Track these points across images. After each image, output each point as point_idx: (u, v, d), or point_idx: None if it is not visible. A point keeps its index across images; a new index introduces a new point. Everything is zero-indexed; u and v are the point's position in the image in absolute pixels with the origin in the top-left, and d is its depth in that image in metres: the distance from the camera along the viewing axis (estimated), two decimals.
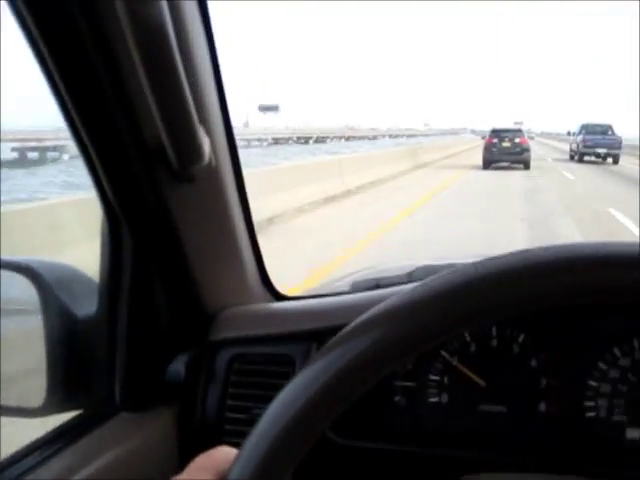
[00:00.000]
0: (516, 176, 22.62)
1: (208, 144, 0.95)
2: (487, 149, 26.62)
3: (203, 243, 1.09)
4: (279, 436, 0.61)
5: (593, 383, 1.06)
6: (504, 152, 26.15)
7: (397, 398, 1.12)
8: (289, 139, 74.19)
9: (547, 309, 0.70)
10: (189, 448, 1.09)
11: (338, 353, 0.63)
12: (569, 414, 1.07)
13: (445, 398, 1.11)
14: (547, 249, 0.66)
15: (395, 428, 1.12)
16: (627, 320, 1.06)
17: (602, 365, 1.06)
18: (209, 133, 0.97)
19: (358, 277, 1.46)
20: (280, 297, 1.32)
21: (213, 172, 1.03)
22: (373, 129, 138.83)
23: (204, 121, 0.96)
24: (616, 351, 1.06)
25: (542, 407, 1.08)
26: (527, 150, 26.44)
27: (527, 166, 25.81)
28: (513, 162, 26.07)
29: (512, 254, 0.66)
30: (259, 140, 64.65)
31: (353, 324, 0.66)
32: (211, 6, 0.97)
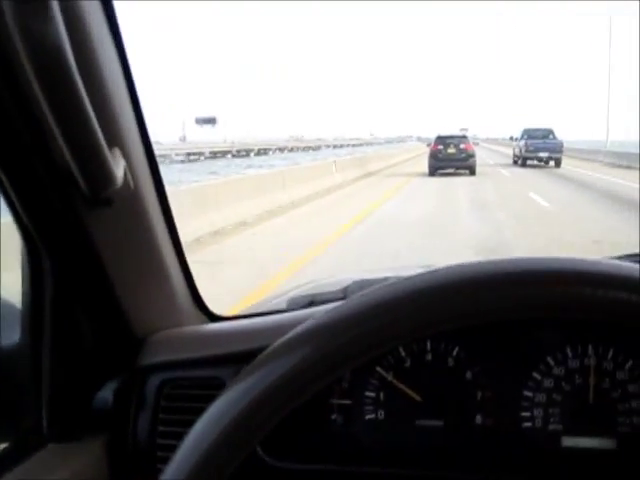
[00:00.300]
0: (461, 180, 22.98)
1: (123, 167, 0.92)
2: (432, 156, 26.67)
3: (127, 266, 1.05)
4: (204, 454, 0.61)
5: (528, 393, 1.06)
6: (449, 158, 26.24)
7: (333, 416, 1.11)
8: (228, 152, 68.65)
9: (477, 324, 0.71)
10: (121, 477, 1.06)
11: (262, 372, 0.63)
12: (505, 425, 1.07)
13: (382, 414, 1.10)
14: (475, 265, 0.67)
15: (332, 447, 1.10)
16: (560, 329, 1.07)
17: (536, 375, 1.07)
18: (126, 155, 0.94)
19: (295, 294, 1.45)
20: (214, 318, 1.30)
21: (132, 194, 1.00)
22: (319, 139, 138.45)
23: (119, 143, 0.93)
24: (550, 360, 1.07)
25: (478, 419, 1.08)
26: (472, 156, 26.52)
27: (473, 172, 26.06)
28: (459, 168, 26.17)
29: (440, 270, 0.66)
30: (193, 154, 60.28)
31: (277, 343, 0.66)
32: (127, 14, 0.93)
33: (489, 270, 0.66)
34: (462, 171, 25.85)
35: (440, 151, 26.39)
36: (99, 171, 0.85)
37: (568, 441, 1.05)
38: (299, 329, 0.66)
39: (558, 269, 0.65)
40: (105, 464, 1.05)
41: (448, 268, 0.67)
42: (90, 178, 0.86)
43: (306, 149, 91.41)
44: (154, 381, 1.11)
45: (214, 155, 63.97)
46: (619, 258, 1.51)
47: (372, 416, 1.10)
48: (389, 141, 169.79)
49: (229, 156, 65.63)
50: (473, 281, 0.66)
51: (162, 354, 1.13)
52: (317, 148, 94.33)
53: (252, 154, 70.79)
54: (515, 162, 34.34)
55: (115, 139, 0.92)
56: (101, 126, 0.83)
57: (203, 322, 1.27)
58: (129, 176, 0.96)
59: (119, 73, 0.97)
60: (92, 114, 0.80)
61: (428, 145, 30.19)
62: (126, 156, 0.94)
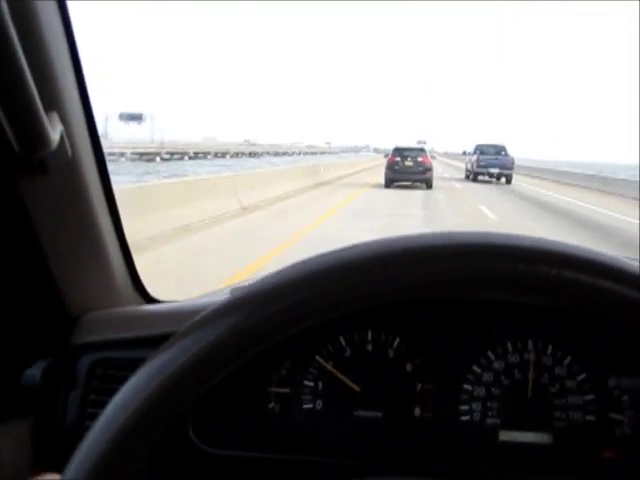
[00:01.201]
0: (416, 192, 23.15)
1: (59, 131, 0.88)
2: (389, 168, 26.38)
3: (63, 240, 1.01)
4: (119, 431, 0.58)
5: (468, 387, 1.06)
6: (406, 171, 26.06)
7: (271, 405, 1.08)
8: (157, 154, 60.00)
9: (415, 311, 0.71)
10: (46, 461, 1.02)
11: (172, 353, 0.62)
12: (444, 418, 1.06)
13: (320, 404, 1.08)
14: (377, 242, 0.67)
15: (270, 436, 1.08)
16: (500, 323, 1.07)
17: (476, 369, 1.06)
18: (64, 121, 0.90)
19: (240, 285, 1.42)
20: (152, 300, 1.26)
21: (71, 165, 0.96)
22: (273, 145, 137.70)
23: (58, 108, 0.89)
24: (490, 354, 1.06)
25: (417, 412, 1.07)
26: (429, 169, 26.18)
27: (429, 185, 25.81)
28: (415, 181, 26.04)
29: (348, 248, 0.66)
30: (111, 155, 48.75)
31: (188, 323, 0.65)
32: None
33: (394, 247, 0.65)
34: (418, 184, 25.84)
35: (397, 163, 26.23)
36: (33, 131, 0.82)
37: (505, 435, 1.05)
38: (211, 308, 0.65)
39: (466, 243, 0.64)
40: (29, 446, 1.01)
41: (361, 245, 0.67)
42: (23, 137, 0.82)
43: (258, 154, 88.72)
44: (85, 361, 1.08)
45: (139, 156, 55.88)
46: None
47: (310, 405, 1.08)
48: (345, 150, 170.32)
49: (158, 159, 58.10)
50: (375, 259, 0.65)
51: (95, 334, 1.09)
52: (253, 154, 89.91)
53: (186, 157, 64.98)
54: (467, 177, 34.75)
55: (54, 103, 0.89)
56: (39, 88, 0.80)
57: (140, 304, 1.24)
58: (67, 142, 0.92)
59: (62, 37, 0.94)
60: (29, 74, 0.77)
61: (385, 156, 30.17)
62: (64, 122, 0.91)
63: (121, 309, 1.17)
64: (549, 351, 1.05)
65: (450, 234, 0.65)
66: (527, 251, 0.62)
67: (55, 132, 0.86)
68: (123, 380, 1.05)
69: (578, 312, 0.84)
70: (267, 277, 0.65)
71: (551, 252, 0.62)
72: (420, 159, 26.27)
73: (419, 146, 30.81)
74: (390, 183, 25.86)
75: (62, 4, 0.93)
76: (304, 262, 0.67)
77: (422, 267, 0.63)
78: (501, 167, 31.66)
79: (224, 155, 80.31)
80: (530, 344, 1.06)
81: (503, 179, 31.60)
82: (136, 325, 1.12)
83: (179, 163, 54.78)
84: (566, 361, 1.05)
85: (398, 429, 1.07)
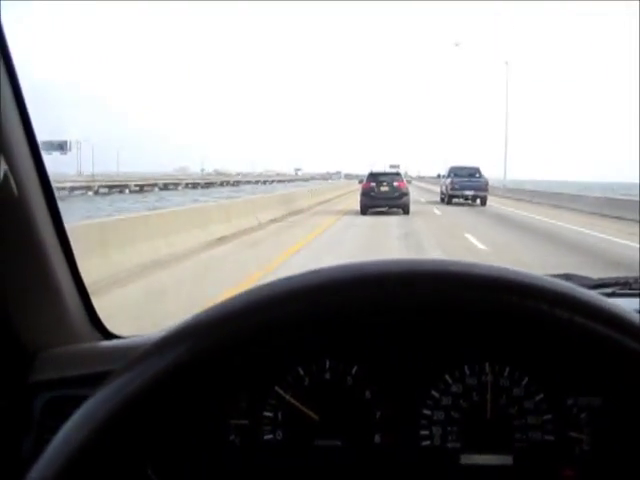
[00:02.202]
0: (392, 218, 22.62)
1: (2, 170, 0.88)
2: (365, 194, 25.53)
3: (16, 280, 1.01)
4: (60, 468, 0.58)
5: (427, 411, 1.06)
6: (382, 197, 25.31)
7: (231, 437, 1.07)
8: (87, 188, 52.28)
9: (371, 338, 0.72)
10: None
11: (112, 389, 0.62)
12: (405, 444, 1.06)
13: (280, 435, 1.07)
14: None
15: (231, 469, 1.07)
16: (457, 347, 1.07)
17: (435, 393, 1.06)
18: (8, 160, 0.90)
19: None
20: (110, 335, 1.25)
21: (18, 203, 0.96)
22: (239, 174, 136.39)
23: (1, 146, 0.89)
24: (448, 378, 1.06)
25: (377, 439, 1.06)
26: (406, 194, 25.42)
27: (406, 211, 24.99)
28: (392, 207, 25.31)
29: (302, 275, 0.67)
30: None
31: (132, 356, 0.65)
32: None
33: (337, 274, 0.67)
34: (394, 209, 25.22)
35: (373, 189, 25.48)
36: None
37: (466, 458, 1.05)
38: (152, 342, 0.65)
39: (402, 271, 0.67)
40: None
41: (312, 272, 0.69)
42: None
43: (206, 186, 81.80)
44: (41, 399, 1.06)
45: (69, 192, 45.74)
46: None
47: (270, 436, 1.07)
48: (315, 177, 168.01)
49: (90, 193, 51.44)
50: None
51: (51, 371, 1.08)
52: (208, 185, 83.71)
53: (127, 190, 57.77)
54: (442, 200, 34.88)
55: None
56: None
57: (98, 340, 1.22)
58: (12, 181, 0.92)
59: (4, 73, 0.94)
60: None
61: (360, 182, 29.78)
62: (9, 160, 0.91)
63: (77, 346, 1.16)
64: (506, 372, 1.06)
65: (440, 261, 0.68)
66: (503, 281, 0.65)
67: None
68: None
69: (533, 333, 0.86)
70: (208, 309, 0.66)
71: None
72: (396, 184, 25.64)
73: (394, 170, 30.32)
74: (366, 210, 25.16)
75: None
76: (249, 291, 0.67)
77: (382, 292, 0.64)
78: (475, 189, 31.80)
79: (195, 186, 77.64)
80: (487, 366, 1.06)
81: (478, 201, 31.78)
82: (92, 361, 1.11)
83: (122, 197, 49.51)
84: (523, 382, 1.05)
85: (359, 457, 1.06)
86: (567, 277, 1.69)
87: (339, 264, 0.72)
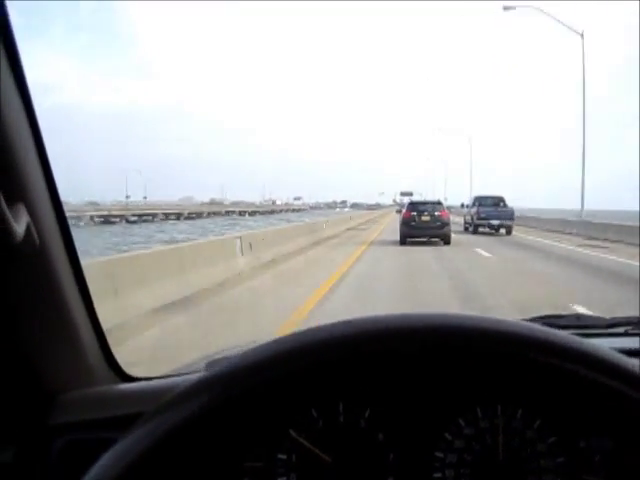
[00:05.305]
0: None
1: (25, 223, 0.91)
2: (405, 223, 24.73)
3: (36, 325, 1.04)
4: None
5: (440, 454, 1.06)
6: (423, 226, 24.42)
7: (245, 479, 1.08)
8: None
9: (385, 382, 0.79)
10: None
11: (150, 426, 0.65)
12: None
13: (294, 477, 1.08)
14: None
15: None
16: (469, 390, 1.08)
17: (448, 436, 1.07)
18: (30, 211, 0.93)
19: (215, 357, 1.43)
20: (127, 378, 1.27)
21: (39, 252, 0.99)
22: (235, 203, 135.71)
23: (23, 199, 0.92)
24: (460, 421, 1.07)
25: None
26: (447, 224, 24.50)
27: (447, 241, 23.98)
28: (432, 237, 24.39)
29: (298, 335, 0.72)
30: None
31: (153, 408, 0.67)
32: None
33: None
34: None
35: (413, 218, 24.66)
36: None
37: None
38: (180, 388, 0.68)
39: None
40: None
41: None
42: None
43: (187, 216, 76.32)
44: (60, 442, 1.08)
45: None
46: (531, 320, 1.54)
47: (284, 479, 1.08)
48: (315, 207, 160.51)
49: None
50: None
51: (69, 415, 1.10)
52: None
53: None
54: (466, 229, 34.72)
55: (19, 195, 0.92)
56: (2, 181, 0.83)
57: (115, 382, 1.25)
58: (34, 232, 0.95)
59: (25, 127, 0.97)
60: None
61: (398, 212, 29.10)
62: (31, 212, 0.94)
63: (95, 389, 1.18)
64: (518, 415, 1.06)
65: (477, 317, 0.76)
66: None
67: (21, 225, 0.89)
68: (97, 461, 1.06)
69: (545, 377, 0.90)
70: (237, 357, 0.69)
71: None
72: (437, 213, 24.68)
73: (435, 199, 29.37)
74: (405, 240, 24.31)
75: (25, 92, 0.96)
76: (276, 341, 0.71)
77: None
78: (502, 218, 31.74)
79: (199, 215, 77.86)
80: (499, 409, 1.06)
81: (503, 230, 31.63)
82: (111, 405, 1.13)
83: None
84: (536, 424, 1.05)
85: None
86: (578, 317, 1.69)
87: (361, 317, 0.80)
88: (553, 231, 34.00)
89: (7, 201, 0.84)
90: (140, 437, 0.64)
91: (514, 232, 31.61)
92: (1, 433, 1.05)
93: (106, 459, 0.64)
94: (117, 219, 56.02)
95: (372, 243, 25.24)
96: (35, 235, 0.96)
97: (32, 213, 0.94)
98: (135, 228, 49.70)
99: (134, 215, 61.90)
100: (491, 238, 28.84)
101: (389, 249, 22.10)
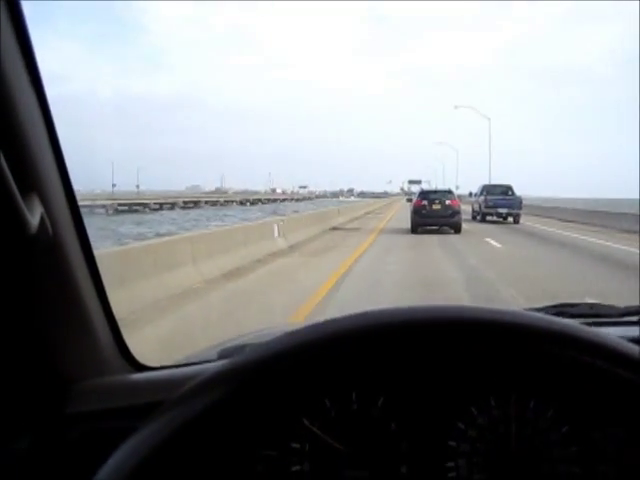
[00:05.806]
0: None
1: (39, 213, 0.91)
2: (416, 212, 24.96)
3: (51, 315, 1.04)
4: None
5: (453, 443, 1.06)
6: (434, 215, 24.61)
7: (258, 467, 1.09)
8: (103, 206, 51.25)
9: (398, 372, 0.82)
10: None
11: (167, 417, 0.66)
12: (431, 476, 1.06)
13: (307, 466, 1.08)
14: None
15: None
16: (483, 379, 1.07)
17: (461, 425, 1.07)
18: (44, 201, 0.93)
19: (227, 345, 1.44)
20: (140, 367, 1.28)
21: (53, 243, 0.99)
22: (237, 192, 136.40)
23: (37, 189, 0.92)
24: (474, 410, 1.07)
25: (404, 470, 1.07)
26: (458, 212, 24.72)
27: (458, 230, 24.18)
28: (443, 225, 24.58)
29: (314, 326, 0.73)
30: None
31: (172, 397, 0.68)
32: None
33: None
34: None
35: (424, 207, 24.84)
36: (10, 217, 0.85)
37: None
38: (199, 379, 0.69)
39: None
40: None
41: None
42: (1, 225, 0.85)
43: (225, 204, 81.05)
44: (76, 431, 1.09)
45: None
46: (543, 309, 1.54)
47: (297, 467, 1.08)
48: (320, 196, 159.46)
49: (111, 211, 50.75)
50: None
51: (84, 404, 1.10)
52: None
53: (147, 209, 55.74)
54: (474, 218, 34.63)
55: (32, 185, 0.92)
56: (16, 172, 0.83)
57: (129, 372, 1.25)
58: (47, 223, 0.95)
59: (38, 116, 0.97)
60: (3, 159, 0.80)
61: (408, 201, 29.02)
62: (44, 202, 0.94)
63: (110, 378, 1.18)
64: (532, 405, 1.06)
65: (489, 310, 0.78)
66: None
67: (35, 215, 0.89)
68: (114, 450, 1.06)
69: (558, 367, 0.91)
70: (254, 348, 0.70)
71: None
72: (448, 202, 24.90)
73: (446, 188, 29.74)
74: (417, 228, 24.52)
75: (38, 82, 0.96)
76: (292, 333, 0.73)
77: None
78: (509, 207, 31.61)
79: (196, 204, 78.07)
80: (513, 398, 1.06)
81: (510, 219, 31.50)
82: (125, 394, 1.13)
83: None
84: (549, 414, 1.05)
85: None
86: (591, 306, 1.69)
87: (377, 309, 0.82)
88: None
89: (21, 192, 0.85)
90: (162, 426, 0.65)
91: (541, 225, 30.02)
92: (18, 420, 1.05)
93: (128, 446, 0.65)
94: (102, 210, 54.80)
95: None
96: (49, 225, 0.96)
97: (45, 203, 0.94)
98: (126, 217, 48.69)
99: (121, 205, 60.75)
100: (502, 227, 28.52)
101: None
